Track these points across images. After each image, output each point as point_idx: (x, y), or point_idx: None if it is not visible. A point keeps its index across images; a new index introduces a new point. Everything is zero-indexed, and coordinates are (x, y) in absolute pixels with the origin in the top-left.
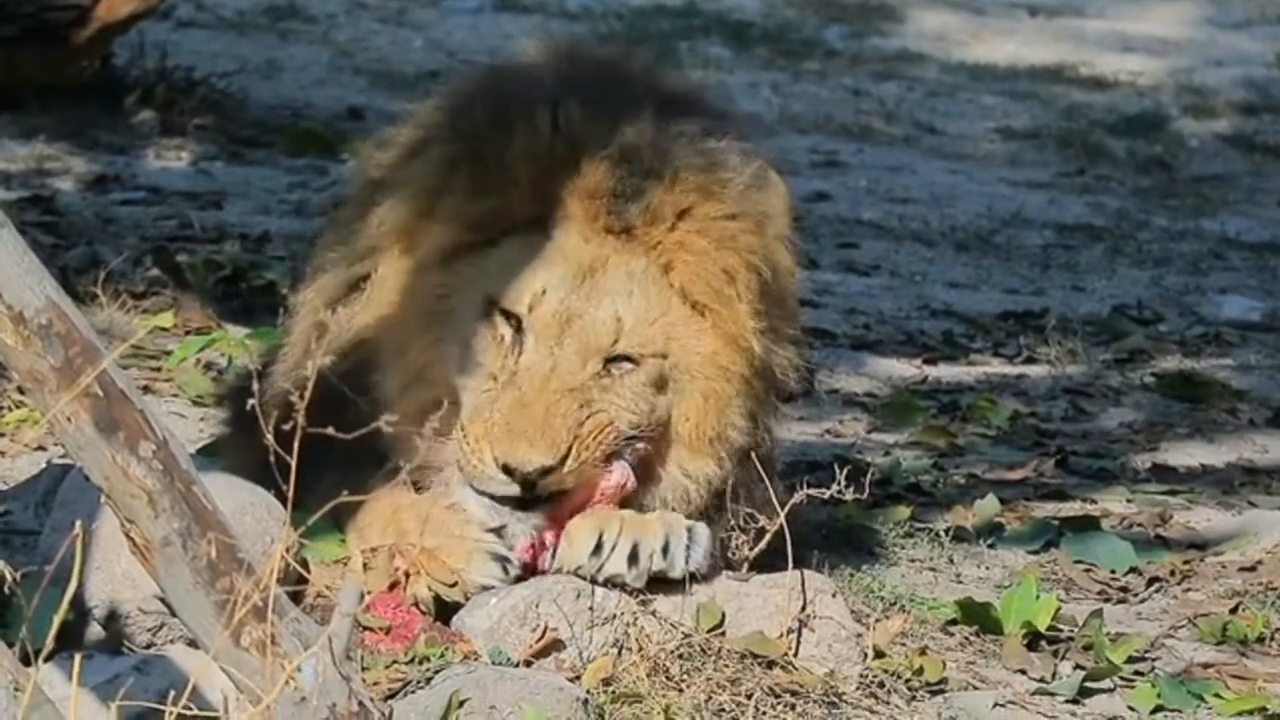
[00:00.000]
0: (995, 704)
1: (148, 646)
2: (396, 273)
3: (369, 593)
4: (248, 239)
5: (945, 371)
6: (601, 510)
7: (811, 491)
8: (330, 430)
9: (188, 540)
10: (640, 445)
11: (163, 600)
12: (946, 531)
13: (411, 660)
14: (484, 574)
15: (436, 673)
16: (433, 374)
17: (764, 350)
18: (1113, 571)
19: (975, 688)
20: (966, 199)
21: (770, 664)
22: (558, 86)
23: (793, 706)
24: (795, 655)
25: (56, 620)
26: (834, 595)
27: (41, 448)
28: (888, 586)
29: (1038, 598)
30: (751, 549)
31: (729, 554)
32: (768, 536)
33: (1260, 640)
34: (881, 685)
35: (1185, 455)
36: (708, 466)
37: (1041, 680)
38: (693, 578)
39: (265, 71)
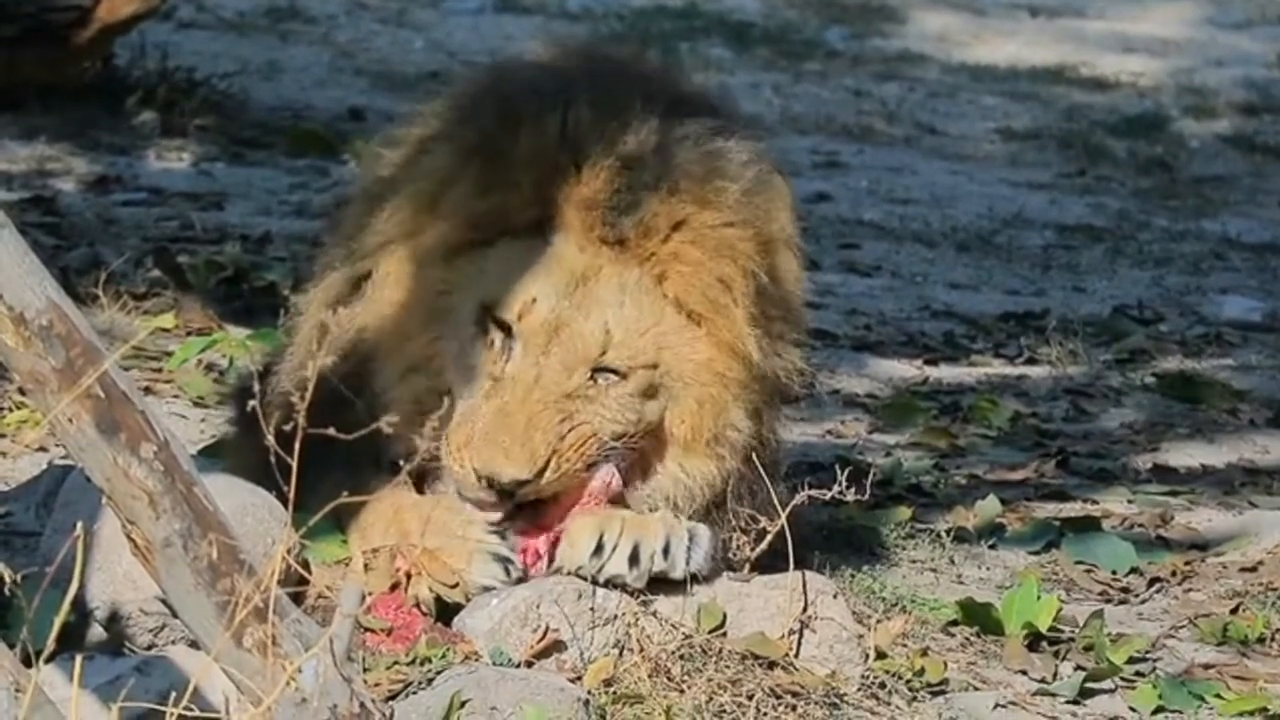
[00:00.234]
0: (996, 705)
1: (149, 647)
2: (399, 269)
3: (370, 594)
4: (249, 240)
5: (946, 372)
6: (603, 511)
7: (813, 492)
8: (332, 431)
9: (189, 541)
10: (628, 447)
11: (164, 601)
12: (948, 532)
13: (413, 661)
14: (485, 575)
15: (438, 674)
16: (431, 366)
17: (762, 355)
18: (1114, 572)
19: (976, 688)
20: (967, 200)
21: (771, 665)
22: (569, 87)
23: (794, 707)
24: (796, 656)
25: (58, 621)
26: (835, 596)
27: (43, 449)
28: (889, 587)
29: (1039, 598)
30: (753, 550)
31: (730, 555)
32: (769, 537)
33: (1261, 641)
34: (883, 686)
35: (1186, 456)
36: (707, 467)
37: (1042, 681)
38: (694, 578)
39: (266, 72)
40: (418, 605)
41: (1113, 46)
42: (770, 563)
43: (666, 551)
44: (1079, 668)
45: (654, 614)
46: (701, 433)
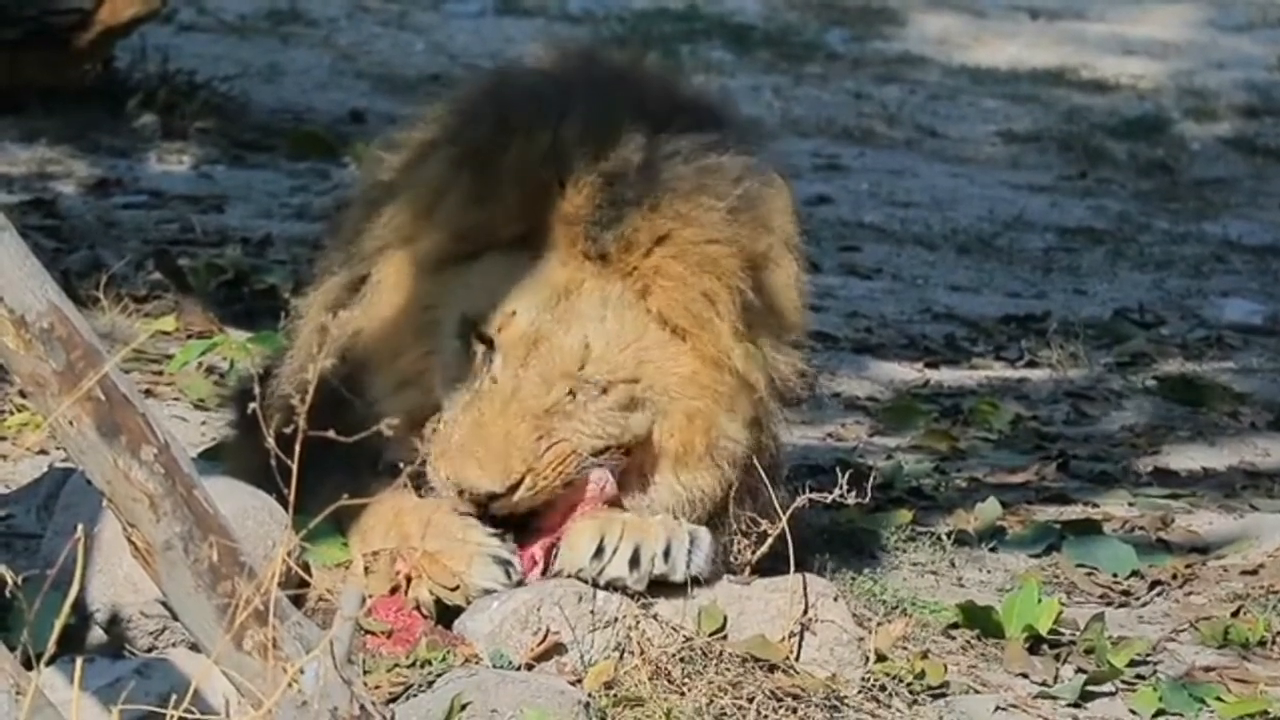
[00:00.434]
0: (997, 708)
1: (149, 650)
2: (395, 276)
3: (370, 596)
4: (249, 242)
5: (947, 375)
6: (603, 513)
7: (813, 495)
8: (332, 434)
9: (189, 544)
10: (623, 454)
11: (164, 604)
12: (948, 535)
13: (413, 664)
14: (485, 578)
15: (438, 676)
16: (423, 381)
17: (750, 367)
18: (1114, 575)
19: (977, 691)
20: (968, 202)
21: (772, 667)
22: (563, 100)
23: (794, 710)
24: (797, 659)
25: (58, 624)
26: (835, 599)
27: (43, 451)
28: (889, 590)
29: (1039, 601)
30: (754, 553)
31: (731, 558)
32: (769, 540)
33: (1262, 644)
34: (883, 689)
35: (1187, 458)
36: (704, 479)
37: (1043, 684)
38: (695, 581)
39: (267, 75)
40: (418, 608)
41: (1113, 49)
42: (771, 565)
43: (667, 554)
44: (1080, 670)
45: (654, 617)
46: (694, 446)
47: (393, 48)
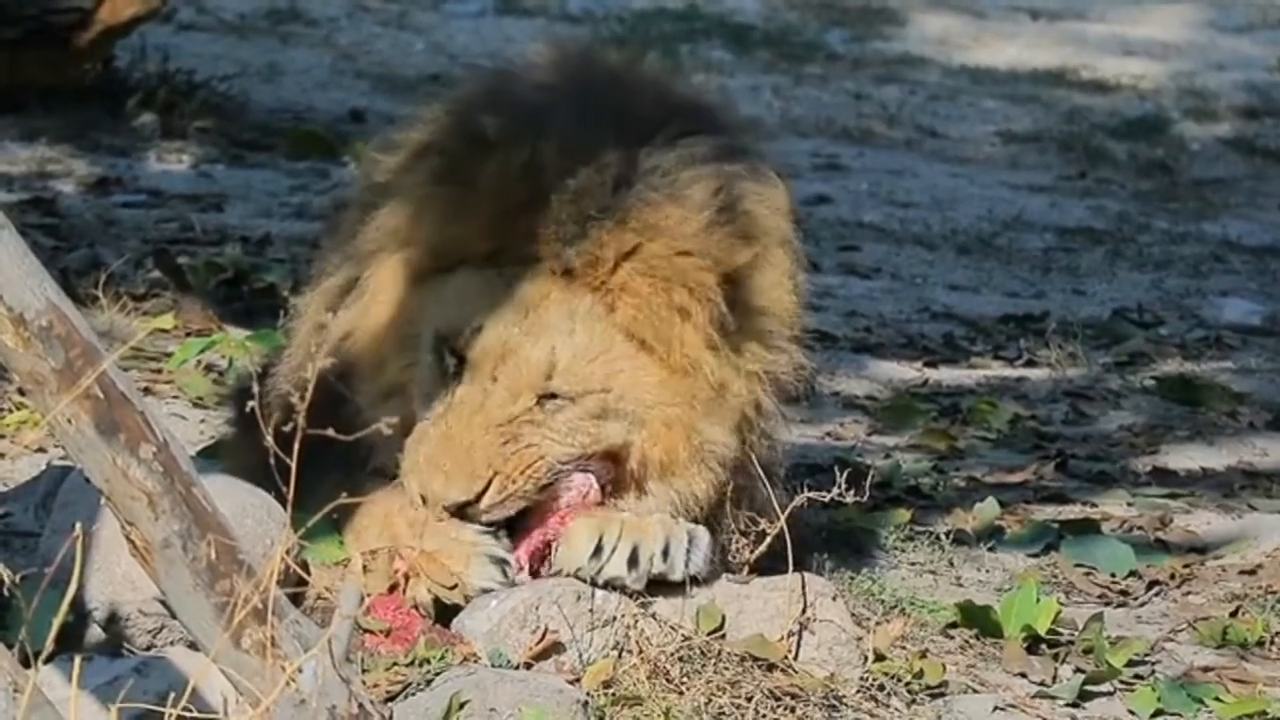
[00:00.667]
0: (995, 707)
1: (148, 648)
2: (384, 281)
3: (369, 595)
4: (249, 241)
5: (946, 374)
6: (601, 512)
7: (812, 494)
8: (330, 432)
9: (188, 542)
10: (597, 463)
11: (163, 602)
12: (947, 534)
13: (411, 662)
14: (483, 577)
15: (436, 675)
16: (407, 392)
17: (724, 374)
18: (1113, 575)
19: (975, 691)
20: (967, 202)
21: (770, 667)
22: (550, 110)
23: (792, 709)
24: (795, 658)
25: (56, 622)
26: (834, 598)
27: (42, 449)
28: (888, 589)
29: (1038, 601)
30: (752, 552)
31: (729, 557)
32: (768, 539)
33: (1260, 644)
34: (881, 688)
35: (1185, 458)
36: (695, 483)
37: (1041, 684)
38: (693, 580)
39: (266, 74)
40: (416, 607)
41: (1113, 49)
42: (769, 565)
43: (665, 553)
44: (1078, 670)
45: (653, 616)
46: (677, 453)
47: (392, 47)
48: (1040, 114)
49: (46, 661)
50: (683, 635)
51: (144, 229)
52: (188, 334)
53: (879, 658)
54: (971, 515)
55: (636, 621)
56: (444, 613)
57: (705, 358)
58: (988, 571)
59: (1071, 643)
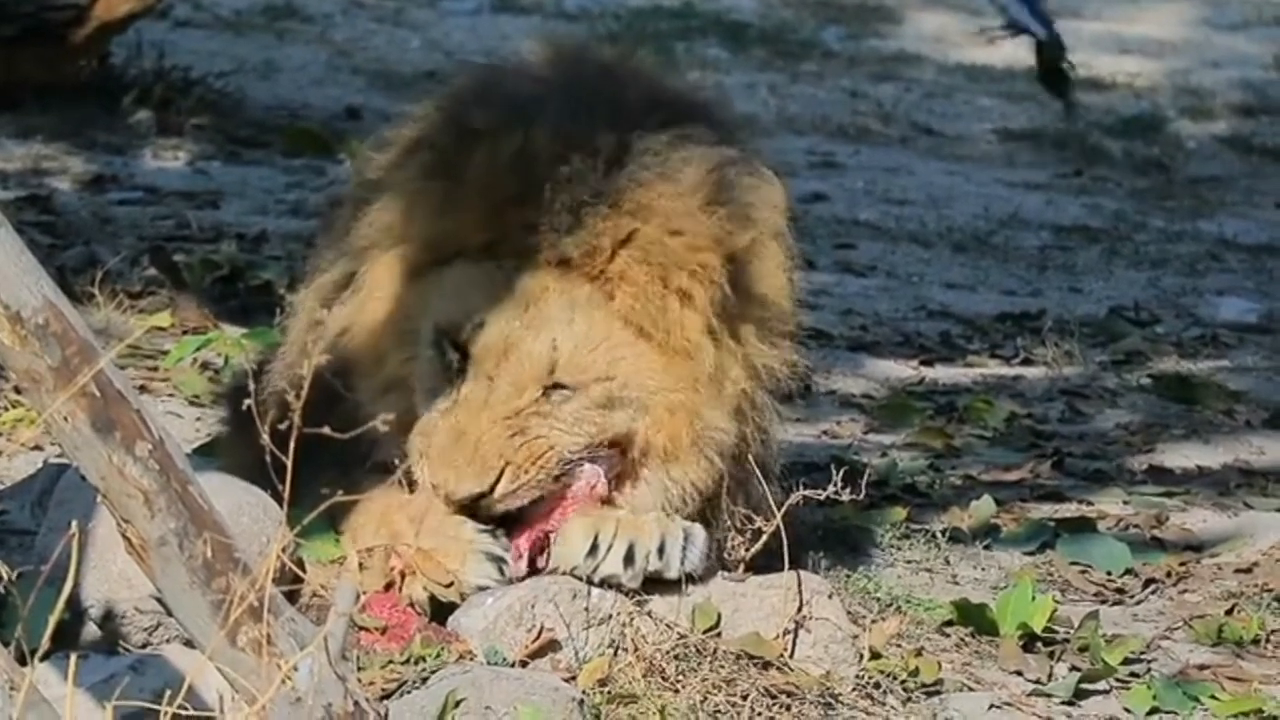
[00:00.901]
0: (991, 705)
1: (144, 646)
2: (380, 277)
3: (364, 593)
4: (245, 239)
5: (942, 373)
6: (597, 510)
7: (808, 493)
8: (326, 430)
9: (184, 540)
10: (605, 453)
11: (159, 600)
12: (943, 533)
13: (407, 660)
14: (479, 574)
15: (432, 673)
16: (406, 385)
17: (722, 359)
18: (1109, 573)
19: (971, 689)
20: (963, 200)
21: (766, 665)
22: (541, 102)
23: (788, 707)
24: (791, 656)
25: (52, 620)
26: (830, 596)
27: (38, 447)
28: (884, 587)
29: (1034, 599)
30: (748, 550)
31: (725, 555)
32: (764, 537)
33: (1256, 642)
34: (877, 686)
35: (1181, 457)
36: (694, 471)
37: (1037, 682)
38: (689, 578)
39: (262, 71)
40: (412, 604)
41: (1109, 47)
42: (765, 563)
43: (661, 551)
44: (1074, 668)
45: (649, 614)
46: (680, 438)
47: (388, 44)
48: (1036, 112)
49: (43, 659)
50: (678, 633)
51: (140, 226)
52: (184, 332)
53: (875, 656)
54: (967, 513)
55: (632, 619)
56: (440, 610)
57: (704, 342)
58: (984, 569)
59: (1067, 641)
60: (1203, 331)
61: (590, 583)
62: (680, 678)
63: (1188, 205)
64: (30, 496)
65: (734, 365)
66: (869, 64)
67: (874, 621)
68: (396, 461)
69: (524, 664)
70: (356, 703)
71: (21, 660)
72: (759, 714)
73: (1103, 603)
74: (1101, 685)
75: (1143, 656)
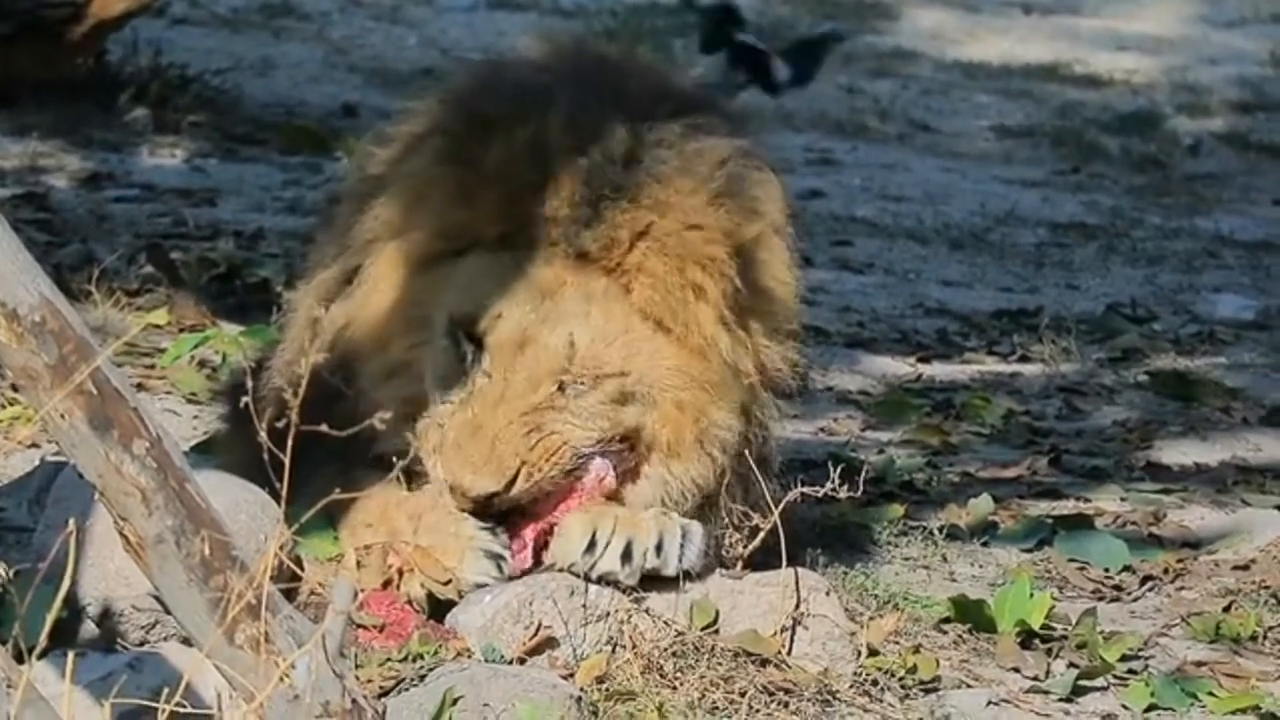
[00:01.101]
0: (989, 702)
1: (141, 644)
2: (384, 269)
3: (362, 590)
4: (242, 236)
5: (939, 369)
6: (595, 507)
7: (806, 490)
8: (324, 427)
9: (181, 538)
10: (616, 448)
11: (156, 598)
12: (940, 529)
13: (405, 658)
14: (477, 572)
15: (430, 670)
16: (411, 371)
17: (737, 354)
18: (1106, 570)
19: (969, 686)
20: (961, 197)
21: (764, 662)
22: (549, 95)
23: (786, 704)
24: (789, 653)
25: (50, 618)
26: (828, 593)
27: (35, 445)
28: (881, 584)
29: (1031, 596)
30: (746, 547)
31: (723, 552)
32: (761, 535)
33: (1253, 639)
34: (875, 683)
35: (1179, 454)
36: (696, 468)
37: (1035, 678)
38: (687, 575)
39: (259, 69)
40: (410, 602)
41: (1106, 44)
42: (763, 560)
43: (659, 548)
44: (1071, 665)
45: (646, 611)
46: (684, 435)
47: (385, 41)
48: (1033, 109)
49: (40, 657)
50: (676, 630)
51: (137, 224)
52: (181, 329)
53: (872, 653)
54: (965, 510)
55: (630, 617)
56: (438, 608)
57: (720, 336)
58: (981, 566)
59: (1065, 637)
60: (1200, 328)
61: (588, 580)
62: (678, 675)
63: (1185, 202)
64: (27, 494)
65: (745, 359)
66: (866, 61)
67: (872, 618)
68: (396, 457)
69: (522, 661)
70: (354, 700)
71: (19, 658)
72: (757, 711)
73: (1100, 600)
74: (1099, 682)
75: (1140, 653)
